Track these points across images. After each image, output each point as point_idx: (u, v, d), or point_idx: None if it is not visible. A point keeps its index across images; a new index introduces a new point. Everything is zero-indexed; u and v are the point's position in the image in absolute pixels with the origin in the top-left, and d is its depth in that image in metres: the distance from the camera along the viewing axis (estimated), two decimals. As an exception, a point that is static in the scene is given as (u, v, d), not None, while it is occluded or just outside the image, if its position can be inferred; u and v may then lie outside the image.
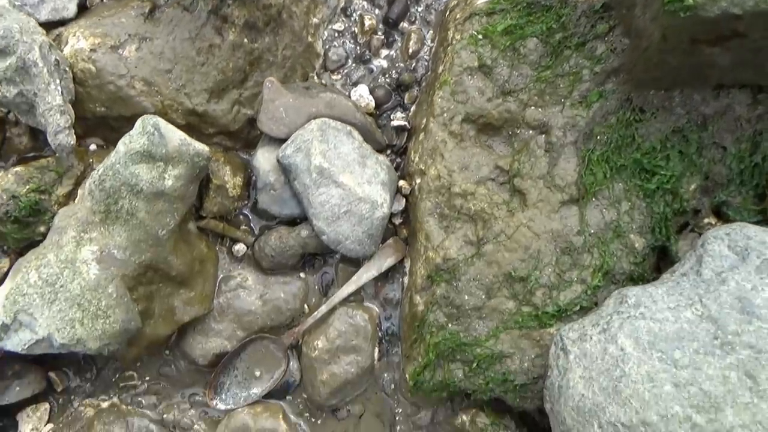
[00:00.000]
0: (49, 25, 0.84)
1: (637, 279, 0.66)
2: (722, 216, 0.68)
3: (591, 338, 0.58)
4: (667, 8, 0.54)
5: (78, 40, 0.81)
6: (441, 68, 0.78)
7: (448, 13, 0.82)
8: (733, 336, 0.53)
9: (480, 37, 0.75)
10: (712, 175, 0.67)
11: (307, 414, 0.81)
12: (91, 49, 0.81)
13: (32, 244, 0.77)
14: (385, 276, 0.83)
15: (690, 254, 0.62)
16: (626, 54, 0.67)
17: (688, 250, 0.64)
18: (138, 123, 0.72)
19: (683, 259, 0.63)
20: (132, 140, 0.71)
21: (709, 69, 0.61)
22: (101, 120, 0.83)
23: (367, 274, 0.80)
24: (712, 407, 0.49)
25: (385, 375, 0.81)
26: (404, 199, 0.82)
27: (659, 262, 0.69)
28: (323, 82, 0.89)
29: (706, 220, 0.68)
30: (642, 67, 0.64)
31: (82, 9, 0.88)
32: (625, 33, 0.68)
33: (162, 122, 0.73)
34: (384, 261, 0.81)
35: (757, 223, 0.65)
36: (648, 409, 0.51)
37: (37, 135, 0.83)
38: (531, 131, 0.73)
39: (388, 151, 0.86)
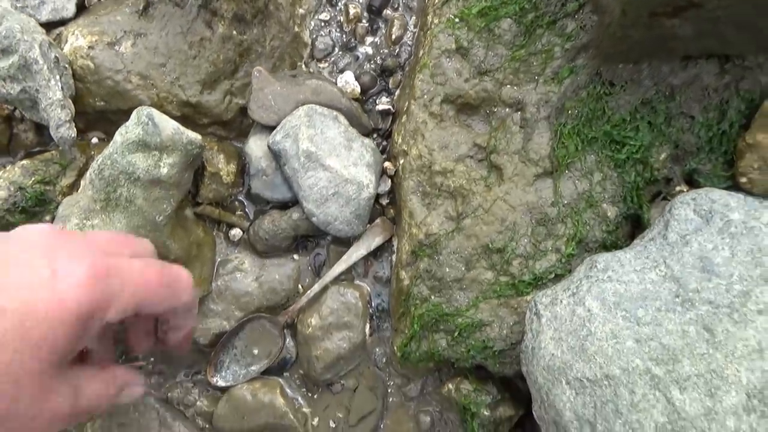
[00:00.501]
0: (50, 25, 0.89)
1: (610, 246, 0.69)
2: (694, 184, 0.70)
3: (561, 302, 0.61)
4: (622, -18, 0.56)
5: (77, 39, 0.85)
6: (421, 52, 0.80)
7: (428, -2, 0.85)
8: (694, 293, 0.55)
9: (457, 20, 0.77)
10: (681, 144, 0.69)
11: (304, 389, 0.85)
12: (89, 47, 0.85)
13: (39, 232, 0.81)
14: (375, 255, 0.86)
15: (658, 220, 0.64)
16: (594, 30, 0.69)
17: (659, 216, 0.66)
18: (133, 114, 0.77)
19: (652, 225, 0.65)
20: (128, 131, 0.75)
21: (672, 41, 0.64)
22: (101, 114, 0.87)
23: (356, 253, 0.84)
24: (671, 359, 0.52)
25: (377, 350, 0.84)
26: (390, 180, 0.85)
27: (634, 230, 0.72)
28: (311, 70, 0.92)
29: (677, 188, 0.70)
30: (608, 42, 0.66)
31: (81, 9, 0.92)
32: (594, 10, 0.70)
33: (156, 113, 0.77)
34: (372, 240, 0.84)
35: (727, 188, 0.67)
36: (611, 363, 0.54)
37: (42, 130, 0.88)
38: (507, 109, 0.75)
39: (374, 135, 0.89)
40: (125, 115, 0.82)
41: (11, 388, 0.40)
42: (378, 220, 0.85)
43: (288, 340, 0.86)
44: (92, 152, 0.87)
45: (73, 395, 0.46)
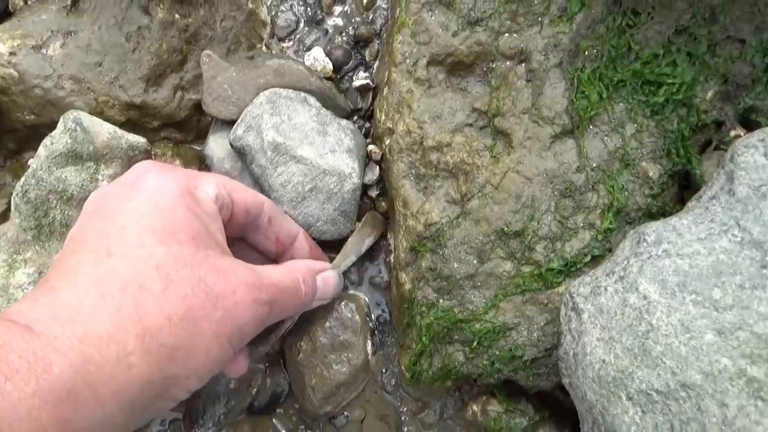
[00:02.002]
0: (-33, 37, 0.77)
1: (656, 214, 0.55)
2: (752, 125, 0.56)
3: (606, 290, 0.47)
4: None
5: (-5, 45, 0.73)
6: (398, 10, 0.67)
7: (399, -51, 0.71)
8: (787, 260, 0.41)
9: (435, -36, 0.64)
10: (732, 76, 0.55)
11: (302, 426, 0.71)
12: (10, 53, 0.72)
13: (-34, 274, 0.69)
14: (369, 257, 0.72)
15: (718, 173, 0.50)
16: (605, -54, 0.56)
17: (718, 168, 0.52)
18: (60, 121, 0.64)
19: (710, 182, 0.51)
20: (54, 141, 0.63)
21: (708, -58, 0.50)
22: (33, 129, 0.75)
23: (345, 262, 0.70)
24: (772, 354, 0.37)
25: (384, 370, 0.70)
26: (378, 167, 0.71)
27: (682, 191, 0.57)
28: (273, 52, 0.79)
29: (732, 133, 0.56)
30: (626, -43, 0.53)
31: (5, 16, 0.80)
32: (602, -77, 0.56)
33: (85, 116, 0.64)
34: (362, 243, 0.70)
35: (795, 126, 0.53)
36: (687, 367, 0.39)
37: (-34, 156, 0.75)
38: (508, 62, 0.61)
39: (355, 116, 0.76)
40: (62, 126, 0.69)
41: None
42: (366, 216, 0.71)
43: (268, 371, 0.72)
44: (28, 174, 0.74)
45: (252, 272, 0.48)
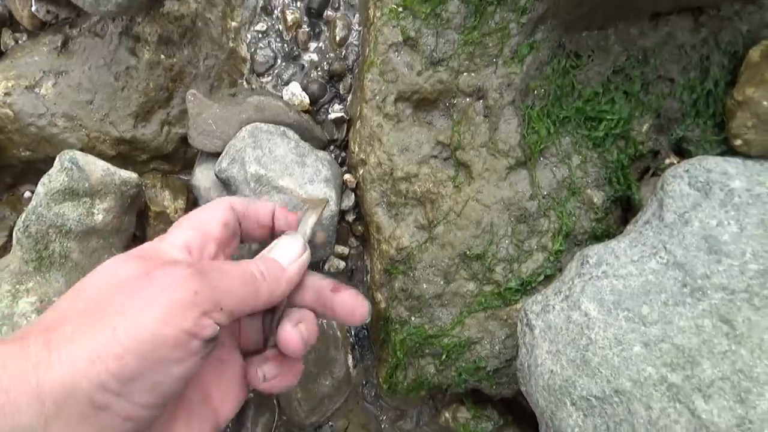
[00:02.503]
0: (-37, 78, 0.81)
1: (601, 236, 0.61)
2: (684, 153, 0.63)
3: (554, 308, 0.53)
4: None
5: (-9, 87, 0.77)
6: (367, 50, 0.73)
7: (367, -8, 0.77)
8: (703, 280, 0.48)
9: (400, 9, 0.70)
10: (664, 111, 0.61)
11: (290, 436, 0.77)
12: (5, 93, 0.77)
13: (-30, 304, 0.73)
14: (349, 277, 0.78)
15: (651, 199, 0.57)
16: (549, -2, 0.62)
17: (651, 195, 0.58)
18: (56, 160, 0.69)
19: (645, 206, 0.57)
20: (51, 179, 0.67)
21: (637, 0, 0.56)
22: (29, 164, 0.79)
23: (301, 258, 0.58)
24: (688, 362, 0.44)
25: (364, 382, 0.76)
26: (353, 194, 0.77)
27: (626, 214, 0.64)
28: (253, 86, 0.84)
29: (667, 161, 0.62)
30: (566, 9, 0.59)
31: (-1, 55, 0.84)
32: (546, -24, 0.63)
33: (80, 155, 0.69)
34: (306, 226, 0.55)
35: (721, 154, 0.60)
36: (619, 375, 0.46)
37: (-35, 191, 0.80)
38: (467, 98, 0.68)
39: (331, 147, 0.82)
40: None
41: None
42: (301, 200, 0.66)
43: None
44: (24, 208, 0.78)
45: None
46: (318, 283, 0.49)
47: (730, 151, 0.60)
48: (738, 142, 0.58)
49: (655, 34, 0.61)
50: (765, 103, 0.55)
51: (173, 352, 0.34)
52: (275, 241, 0.49)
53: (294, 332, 0.43)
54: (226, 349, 0.45)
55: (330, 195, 0.74)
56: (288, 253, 0.47)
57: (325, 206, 0.59)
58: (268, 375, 0.44)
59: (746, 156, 0.58)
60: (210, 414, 0.42)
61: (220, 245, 0.45)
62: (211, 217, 0.46)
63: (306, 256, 0.48)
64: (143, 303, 0.34)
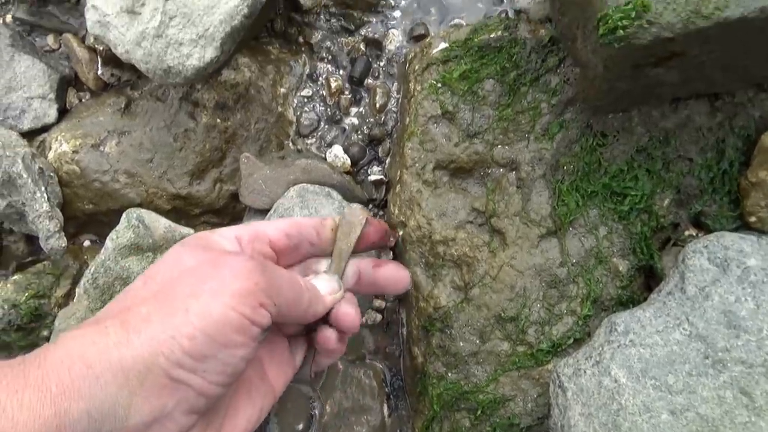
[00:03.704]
0: (32, 133, 0.89)
1: (626, 302, 0.66)
2: (702, 226, 0.68)
3: (585, 372, 0.58)
4: (602, 41, 0.55)
5: (60, 145, 0.85)
6: (407, 120, 0.80)
7: (407, 65, 0.84)
8: (724, 353, 0.52)
9: (439, 85, 0.77)
10: (683, 187, 0.67)
11: (326, 480, 0.81)
12: (73, 151, 0.84)
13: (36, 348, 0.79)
14: (384, 330, 0.83)
15: (673, 271, 0.62)
16: (578, 83, 0.69)
17: (673, 267, 0.64)
18: (123, 218, 0.75)
19: (668, 277, 0.63)
20: (119, 235, 0.74)
21: (659, 87, 0.62)
22: (91, 216, 0.86)
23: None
24: (711, 431, 0.49)
25: (398, 430, 0.81)
26: (390, 251, 0.83)
27: (648, 281, 0.69)
28: (298, 147, 0.91)
29: (687, 233, 0.68)
30: (595, 94, 0.65)
31: (63, 112, 0.92)
32: (575, 63, 0.69)
33: (145, 213, 0.75)
34: (350, 237, 0.53)
35: (736, 229, 0.65)
36: (648, 440, 0.50)
37: (33, 240, 0.86)
38: (501, 169, 0.74)
39: (370, 206, 0.88)
40: (116, 214, 0.80)
41: None
42: (346, 210, 0.54)
43: None
44: (85, 256, 0.85)
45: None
46: (357, 264, 0.53)
47: (745, 227, 0.65)
48: (753, 219, 0.64)
49: (675, 117, 0.67)
50: (778, 187, 0.61)
51: (236, 335, 0.37)
52: (312, 276, 0.50)
53: (350, 308, 0.48)
54: (273, 332, 0.48)
55: (370, 253, 0.80)
56: (325, 287, 0.49)
57: (361, 229, 0.55)
58: (332, 339, 0.48)
59: (761, 232, 0.63)
60: (268, 389, 0.46)
61: (275, 248, 0.48)
62: (273, 224, 0.49)
63: (340, 295, 0.49)
64: (213, 287, 0.37)
